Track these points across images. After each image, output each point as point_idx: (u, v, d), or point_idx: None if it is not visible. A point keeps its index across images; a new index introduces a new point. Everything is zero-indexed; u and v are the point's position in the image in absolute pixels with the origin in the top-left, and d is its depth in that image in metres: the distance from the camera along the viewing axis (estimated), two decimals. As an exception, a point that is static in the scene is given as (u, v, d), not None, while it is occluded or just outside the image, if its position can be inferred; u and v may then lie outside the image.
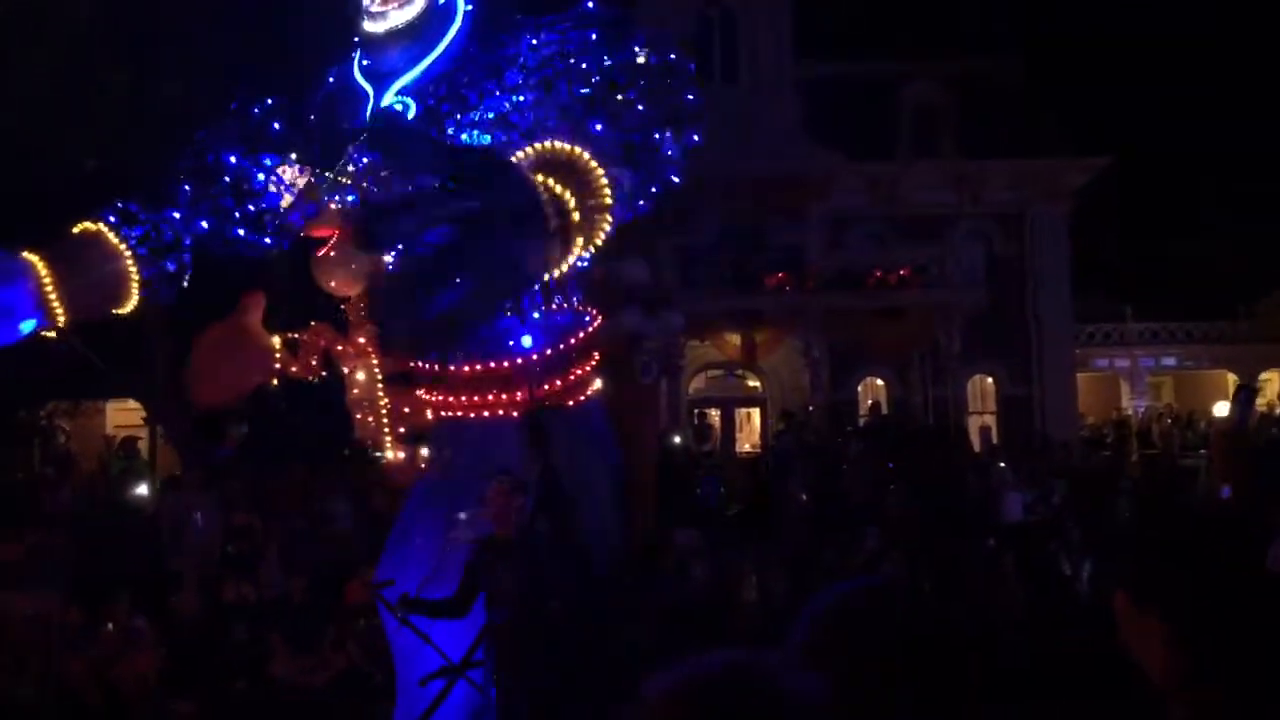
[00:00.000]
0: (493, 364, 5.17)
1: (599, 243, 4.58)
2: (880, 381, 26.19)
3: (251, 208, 5.15)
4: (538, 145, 4.34)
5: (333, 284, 5.55)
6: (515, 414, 5.18)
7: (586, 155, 4.31)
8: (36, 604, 10.23)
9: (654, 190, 4.95)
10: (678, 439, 18.89)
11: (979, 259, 25.89)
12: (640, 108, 4.80)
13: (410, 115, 4.88)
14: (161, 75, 12.90)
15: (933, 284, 23.52)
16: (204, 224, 5.09)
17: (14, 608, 10.21)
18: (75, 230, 4.80)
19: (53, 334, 4.64)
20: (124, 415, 24.10)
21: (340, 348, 6.50)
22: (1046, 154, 25.92)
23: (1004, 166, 25.87)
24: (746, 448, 25.48)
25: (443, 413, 5.43)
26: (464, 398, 5.29)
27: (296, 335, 6.33)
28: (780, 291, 23.58)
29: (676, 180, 5.08)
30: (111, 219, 4.86)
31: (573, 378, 5.23)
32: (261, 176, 5.07)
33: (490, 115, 4.91)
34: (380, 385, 6.11)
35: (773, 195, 24.66)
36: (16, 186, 11.54)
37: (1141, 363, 30.32)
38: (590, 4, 5.08)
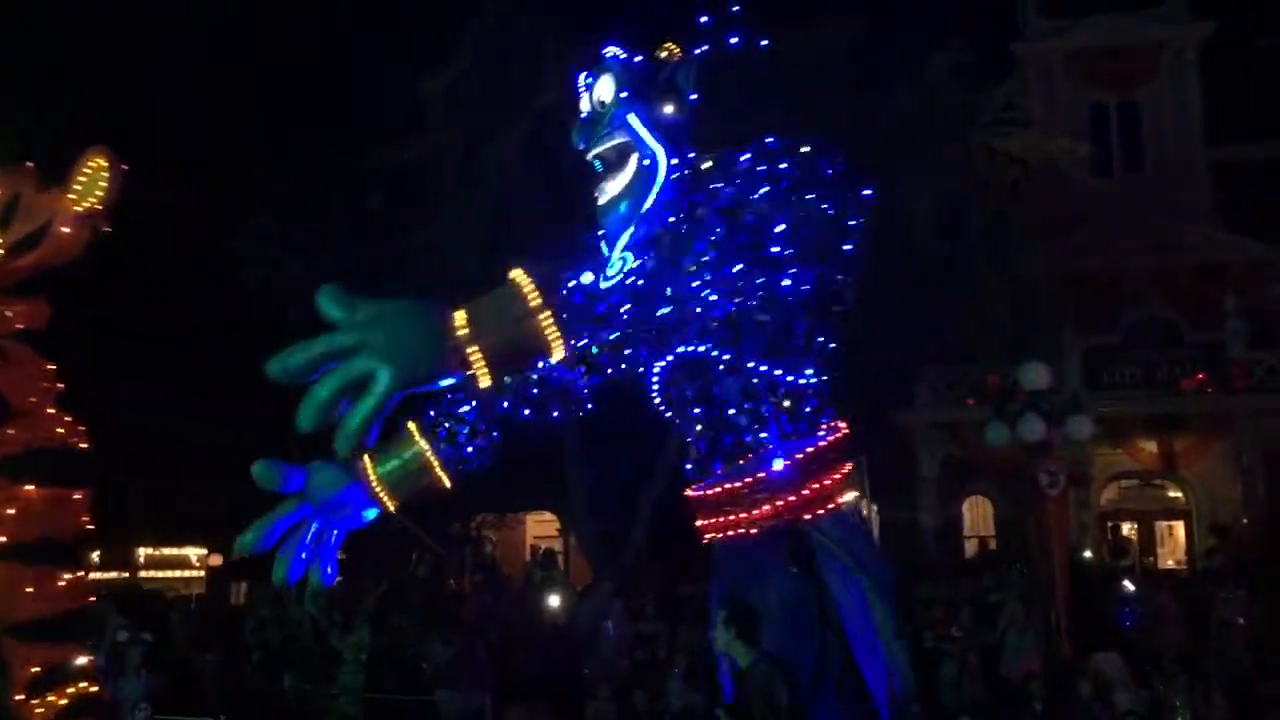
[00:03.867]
0: (728, 485, 5.30)
1: (557, 343, 4.62)
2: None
3: (536, 391, 5.55)
4: None
5: None
6: (754, 532, 5.23)
7: (517, 272, 4.64)
8: (467, 701, 11.11)
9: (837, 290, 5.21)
10: (1089, 554, 17.71)
11: None
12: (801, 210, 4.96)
13: (629, 268, 5.05)
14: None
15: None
16: (504, 404, 5.52)
17: (448, 706, 11.15)
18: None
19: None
20: (541, 526, 25.83)
21: None
22: None
23: None
24: (1170, 564, 23.44)
25: (705, 536, 5.58)
26: (712, 520, 5.43)
27: None
28: (1201, 393, 21.78)
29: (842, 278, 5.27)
30: (425, 419, 5.42)
31: (809, 492, 5.17)
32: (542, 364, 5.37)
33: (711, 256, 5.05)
34: None
35: (1187, 290, 22.98)
36: None
37: None
38: (770, 140, 5.17)
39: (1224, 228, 23.07)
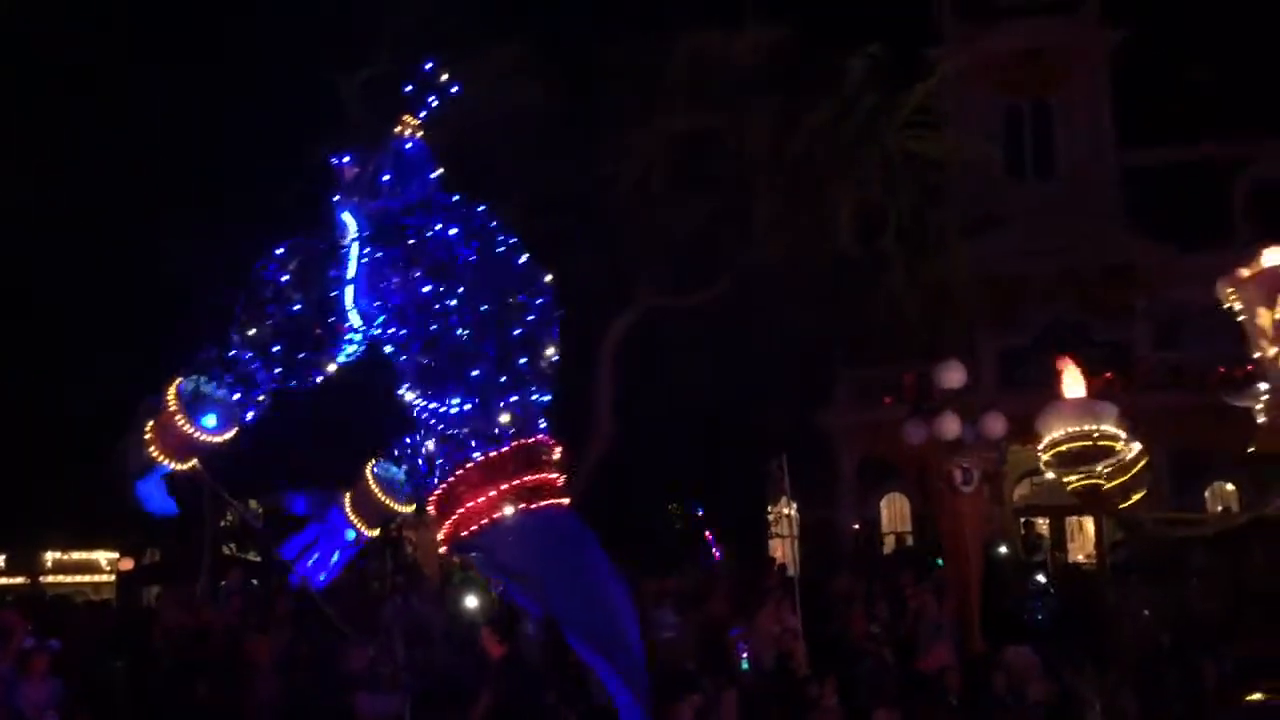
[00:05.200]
0: (429, 508, 5.84)
1: (198, 438, 5.47)
2: (1230, 487, 24.07)
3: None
4: None
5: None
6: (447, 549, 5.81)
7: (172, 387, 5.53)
8: (387, 706, 10.99)
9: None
10: (1003, 549, 18.05)
11: (1342, 350, 23.44)
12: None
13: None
14: None
15: (1286, 379, 21.49)
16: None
17: (366, 710, 11.02)
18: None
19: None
20: (461, 527, 25.64)
21: None
22: None
23: (1363, 248, 23.51)
24: (1080, 558, 24.00)
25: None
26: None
27: None
28: (1108, 392, 22.31)
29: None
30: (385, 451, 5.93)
31: (464, 510, 5.54)
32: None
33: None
34: None
35: (1096, 291, 23.55)
36: None
37: None
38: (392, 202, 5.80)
39: (1133, 230, 23.67)
